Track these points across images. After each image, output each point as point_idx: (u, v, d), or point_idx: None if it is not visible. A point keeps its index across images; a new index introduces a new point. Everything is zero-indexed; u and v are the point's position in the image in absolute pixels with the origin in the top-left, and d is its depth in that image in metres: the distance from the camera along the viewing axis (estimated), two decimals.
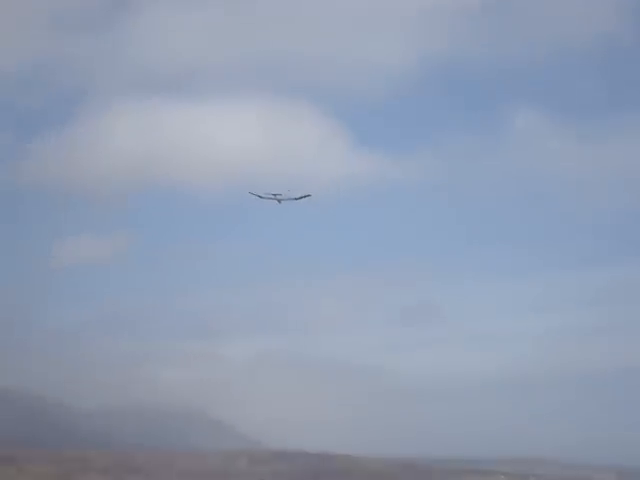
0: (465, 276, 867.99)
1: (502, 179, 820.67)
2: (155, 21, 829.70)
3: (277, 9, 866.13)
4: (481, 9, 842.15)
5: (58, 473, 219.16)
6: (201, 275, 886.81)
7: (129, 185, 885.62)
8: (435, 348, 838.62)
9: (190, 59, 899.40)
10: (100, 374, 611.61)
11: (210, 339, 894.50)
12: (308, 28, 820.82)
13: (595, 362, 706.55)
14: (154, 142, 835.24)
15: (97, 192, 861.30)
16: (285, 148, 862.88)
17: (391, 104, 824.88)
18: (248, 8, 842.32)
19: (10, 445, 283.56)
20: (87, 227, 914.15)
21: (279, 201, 30.53)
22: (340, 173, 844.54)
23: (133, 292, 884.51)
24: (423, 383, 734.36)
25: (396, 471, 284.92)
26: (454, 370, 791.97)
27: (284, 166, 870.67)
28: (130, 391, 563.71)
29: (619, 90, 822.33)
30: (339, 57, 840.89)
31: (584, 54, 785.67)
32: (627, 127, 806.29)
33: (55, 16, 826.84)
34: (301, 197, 29.41)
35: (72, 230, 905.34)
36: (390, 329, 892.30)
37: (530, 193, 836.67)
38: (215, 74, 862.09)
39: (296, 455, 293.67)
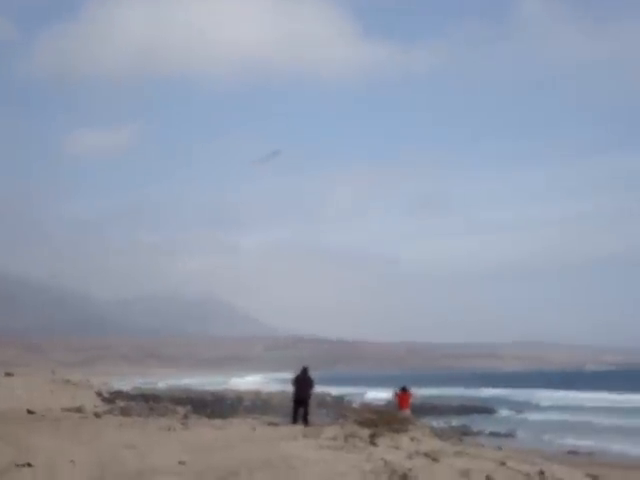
0: (472, 165, 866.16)
1: (509, 66, 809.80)
2: None
3: None
4: None
5: (80, 359, 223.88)
6: (216, 165, 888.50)
7: (141, 74, 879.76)
8: (446, 237, 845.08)
9: None
10: (118, 264, 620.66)
11: (227, 229, 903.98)
12: None
13: (598, 249, 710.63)
14: (165, 30, 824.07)
15: (109, 82, 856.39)
16: (296, 36, 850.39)
17: None
18: None
19: (34, 333, 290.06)
20: (100, 118, 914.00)
21: (267, 160, 31.01)
22: (350, 62, 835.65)
23: (148, 183, 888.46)
24: (435, 271, 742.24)
25: (408, 355, 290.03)
26: (466, 258, 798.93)
27: (295, 54, 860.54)
28: (148, 280, 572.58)
29: None
30: None
31: None
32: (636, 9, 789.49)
33: None
34: (274, 154, 30.15)
35: (85, 121, 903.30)
36: (402, 218, 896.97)
37: (537, 80, 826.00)
38: None
39: (311, 341, 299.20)
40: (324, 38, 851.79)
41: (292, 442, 20.90)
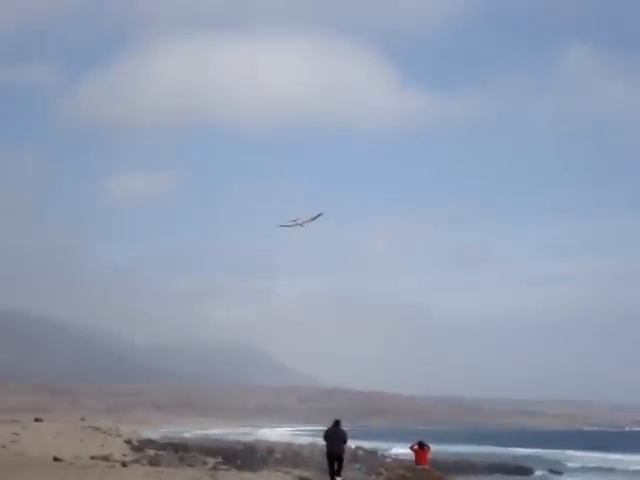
0: (514, 217, 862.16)
1: (553, 117, 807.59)
2: None
3: None
4: None
5: (111, 406, 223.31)
6: (251, 214, 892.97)
7: (177, 123, 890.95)
8: (483, 289, 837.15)
9: None
10: (154, 310, 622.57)
11: (262, 277, 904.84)
12: None
13: None
14: (201, 79, 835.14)
15: (145, 130, 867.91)
16: (333, 86, 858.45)
17: (440, 41, 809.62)
18: None
19: (66, 378, 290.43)
20: (136, 165, 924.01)
21: (301, 225, 30.57)
22: (387, 111, 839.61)
23: (184, 230, 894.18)
24: (471, 324, 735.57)
25: (444, 409, 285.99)
26: (502, 311, 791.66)
27: (332, 104, 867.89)
28: (182, 327, 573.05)
29: None
30: None
31: None
32: None
33: None
34: (317, 216, 29.63)
35: (122, 168, 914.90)
36: (438, 270, 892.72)
37: (581, 132, 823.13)
38: (262, 10, 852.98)
39: (345, 393, 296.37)
40: (359, 88, 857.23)
41: None
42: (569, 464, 74.83)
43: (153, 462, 51.83)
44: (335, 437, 27.68)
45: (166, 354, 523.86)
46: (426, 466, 29.07)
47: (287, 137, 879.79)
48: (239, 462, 58.22)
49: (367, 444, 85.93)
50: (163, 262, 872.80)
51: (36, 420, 77.91)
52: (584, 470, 67.68)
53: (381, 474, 22.56)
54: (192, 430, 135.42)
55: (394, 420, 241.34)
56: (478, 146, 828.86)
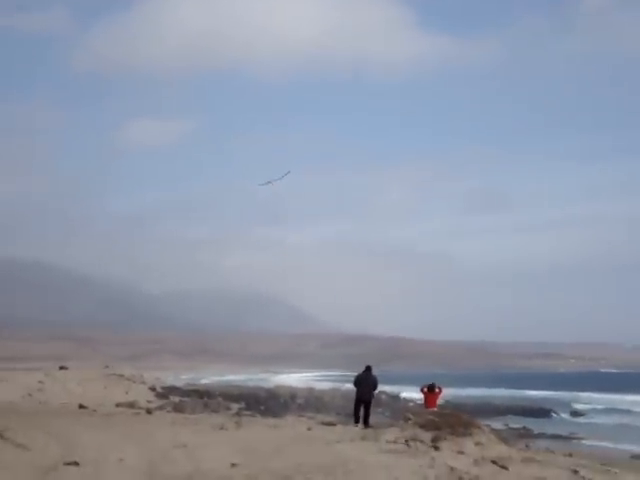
0: (531, 161, 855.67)
1: (569, 61, 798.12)
2: None
3: None
4: None
5: (132, 354, 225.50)
6: (268, 159, 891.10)
7: (194, 66, 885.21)
8: (500, 234, 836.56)
9: None
10: (170, 258, 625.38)
11: (278, 225, 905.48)
12: None
13: None
14: (220, 23, 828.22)
15: (163, 74, 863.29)
16: (352, 29, 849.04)
17: None
18: None
19: (85, 327, 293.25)
20: (152, 110, 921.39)
21: (272, 183, 32.16)
22: (405, 56, 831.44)
23: (201, 176, 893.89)
24: (489, 269, 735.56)
25: (464, 353, 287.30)
26: (520, 256, 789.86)
27: (351, 48, 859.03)
28: (198, 275, 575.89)
29: None
30: None
31: None
32: None
33: None
34: (285, 174, 31.07)
35: (137, 113, 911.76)
36: (456, 215, 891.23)
37: (598, 75, 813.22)
38: None
39: (365, 338, 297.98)
40: (377, 32, 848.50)
41: (350, 445, 19.92)
42: (587, 406, 75.19)
43: (178, 409, 52.24)
44: (365, 383, 27.66)
45: (182, 302, 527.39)
46: (434, 409, 28.73)
47: (303, 82, 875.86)
48: (262, 408, 58.63)
49: (389, 388, 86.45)
50: (178, 211, 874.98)
51: (60, 368, 78.67)
52: (603, 412, 68.03)
53: (409, 419, 22.48)
54: (213, 377, 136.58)
55: (415, 364, 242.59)
56: (494, 92, 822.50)
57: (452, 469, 16.47)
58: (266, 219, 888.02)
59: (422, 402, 29.66)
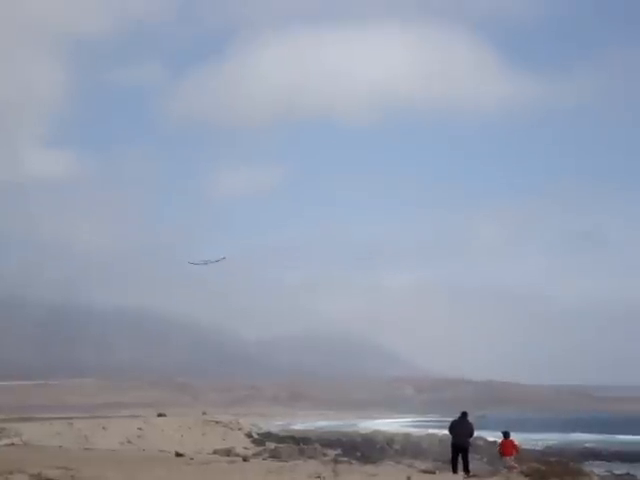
0: (630, 201, 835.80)
1: None
2: None
3: None
4: None
5: (229, 400, 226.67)
6: (363, 204, 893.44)
7: (281, 118, 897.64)
8: (599, 274, 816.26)
9: None
10: (266, 303, 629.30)
11: (371, 268, 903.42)
12: None
13: None
14: (304, 73, 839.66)
15: (249, 125, 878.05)
16: (437, 73, 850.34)
17: (545, 20, 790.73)
18: None
19: (182, 373, 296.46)
20: (243, 160, 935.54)
21: (206, 264, 33.36)
22: (494, 96, 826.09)
23: (291, 224, 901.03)
24: (590, 311, 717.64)
25: (566, 398, 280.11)
26: (619, 296, 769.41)
27: (437, 92, 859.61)
28: (292, 320, 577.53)
29: None
30: None
31: None
32: None
33: None
34: (221, 259, 32.07)
35: (229, 164, 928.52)
36: (552, 255, 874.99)
37: None
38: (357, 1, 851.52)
39: (460, 383, 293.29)
40: (463, 73, 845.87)
41: None
42: None
43: (274, 455, 52.17)
44: (461, 429, 26.83)
45: (277, 348, 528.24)
46: (510, 458, 27.41)
47: (391, 128, 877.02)
48: (358, 454, 57.89)
49: (486, 434, 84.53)
50: (270, 256, 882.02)
51: (159, 415, 79.52)
52: None
53: (514, 467, 21.63)
54: (307, 422, 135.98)
55: (512, 409, 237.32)
56: (589, 128, 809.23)
57: None
58: (361, 262, 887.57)
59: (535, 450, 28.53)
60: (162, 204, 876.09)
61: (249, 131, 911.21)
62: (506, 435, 27.79)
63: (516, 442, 28.76)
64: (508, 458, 27.15)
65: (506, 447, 27.47)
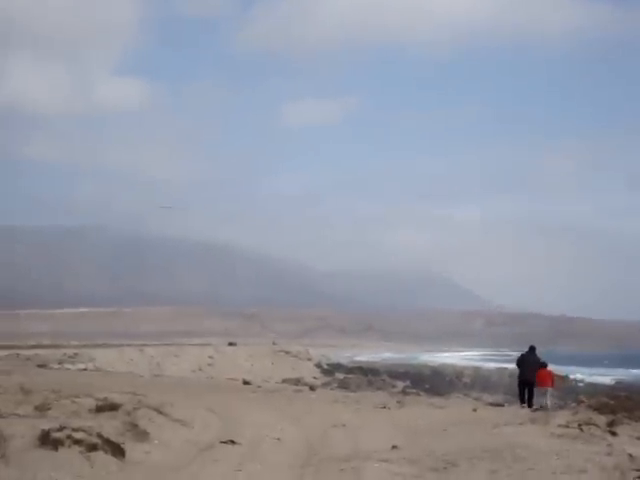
0: None
1: None
2: None
3: None
4: None
5: (298, 331, 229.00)
6: (433, 138, 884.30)
7: (355, 45, 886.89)
8: None
9: None
10: (337, 236, 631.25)
11: (441, 202, 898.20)
12: None
13: None
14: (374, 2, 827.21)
15: (324, 54, 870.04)
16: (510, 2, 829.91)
17: None
18: None
19: (253, 304, 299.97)
20: (315, 90, 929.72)
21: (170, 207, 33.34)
22: (563, 27, 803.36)
23: (365, 155, 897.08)
24: None
25: (636, 333, 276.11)
26: None
27: (510, 20, 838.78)
28: (364, 253, 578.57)
29: None
30: None
31: None
32: None
33: None
34: (170, 207, 32.15)
35: (300, 94, 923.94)
36: (627, 191, 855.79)
37: None
38: None
39: (532, 317, 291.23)
40: (542, 4, 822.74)
41: (518, 428, 18.75)
42: None
43: (342, 385, 52.45)
44: (528, 363, 26.35)
45: (347, 280, 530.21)
46: (548, 389, 26.53)
47: (466, 55, 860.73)
48: (427, 386, 57.88)
49: (555, 368, 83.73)
50: (342, 189, 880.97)
51: (229, 344, 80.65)
52: None
53: (582, 401, 21.16)
54: (378, 354, 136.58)
55: (582, 344, 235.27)
56: None
57: (632, 457, 15.08)
58: (433, 195, 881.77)
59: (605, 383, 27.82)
60: (233, 135, 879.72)
61: (321, 61, 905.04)
62: (543, 365, 26.81)
63: (554, 373, 27.95)
64: (545, 389, 26.33)
65: (543, 377, 26.41)
